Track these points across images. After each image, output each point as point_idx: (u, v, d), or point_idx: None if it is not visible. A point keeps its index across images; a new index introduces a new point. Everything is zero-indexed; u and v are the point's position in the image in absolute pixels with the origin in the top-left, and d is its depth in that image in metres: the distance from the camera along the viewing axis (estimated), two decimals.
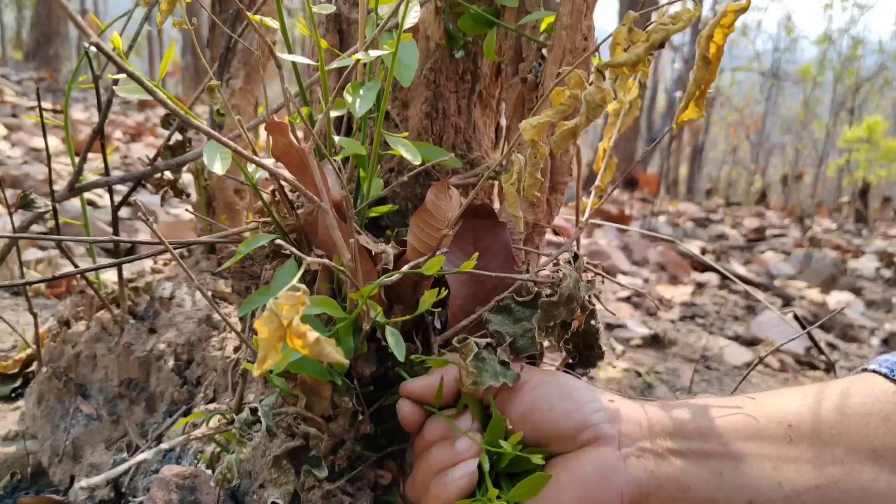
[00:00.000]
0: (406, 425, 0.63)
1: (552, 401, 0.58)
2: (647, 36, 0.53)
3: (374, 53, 0.59)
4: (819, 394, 0.54)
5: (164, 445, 0.58)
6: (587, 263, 0.70)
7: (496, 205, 0.85)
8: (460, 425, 0.59)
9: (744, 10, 0.52)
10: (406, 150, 0.62)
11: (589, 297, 0.66)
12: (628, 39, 0.53)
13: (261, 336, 0.40)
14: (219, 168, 0.56)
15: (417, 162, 0.62)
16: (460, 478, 0.56)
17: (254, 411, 0.66)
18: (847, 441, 0.51)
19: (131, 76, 0.47)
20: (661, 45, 0.52)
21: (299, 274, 0.46)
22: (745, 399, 0.57)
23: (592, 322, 0.68)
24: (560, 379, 0.61)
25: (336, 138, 0.65)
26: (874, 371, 0.56)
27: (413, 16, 0.60)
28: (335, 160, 0.62)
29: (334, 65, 0.65)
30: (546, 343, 0.66)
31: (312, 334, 0.42)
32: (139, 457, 0.51)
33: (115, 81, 0.73)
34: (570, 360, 0.72)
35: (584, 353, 0.71)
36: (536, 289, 0.64)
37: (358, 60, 0.60)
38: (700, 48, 0.54)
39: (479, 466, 0.57)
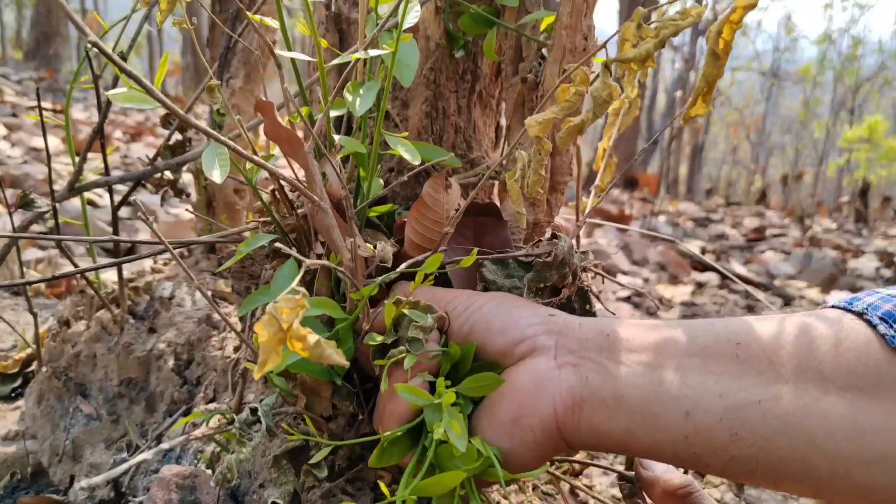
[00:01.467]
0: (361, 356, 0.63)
1: (490, 320, 0.58)
2: (657, 32, 0.53)
3: (373, 53, 0.59)
4: (772, 321, 0.54)
5: (164, 445, 0.58)
6: (587, 264, 0.70)
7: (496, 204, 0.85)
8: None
9: (753, 6, 0.52)
10: (405, 150, 0.62)
11: (590, 305, 0.67)
12: (637, 35, 0.53)
13: (261, 339, 0.40)
14: (217, 175, 0.56)
15: (417, 162, 0.62)
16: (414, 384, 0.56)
17: (254, 411, 0.67)
18: (795, 362, 0.50)
19: (131, 76, 0.47)
20: (662, 44, 0.52)
21: (299, 276, 0.46)
22: (697, 321, 0.56)
23: (588, 307, 0.69)
24: (502, 300, 0.60)
25: (336, 137, 0.65)
26: (832, 307, 0.55)
27: (413, 15, 0.60)
28: (335, 159, 0.61)
29: (335, 62, 0.65)
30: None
31: (312, 337, 0.42)
32: (139, 457, 0.51)
33: (116, 79, 0.73)
34: None
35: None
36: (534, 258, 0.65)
37: (357, 59, 0.60)
38: (710, 44, 0.54)
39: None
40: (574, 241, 0.69)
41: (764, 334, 0.52)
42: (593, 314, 0.70)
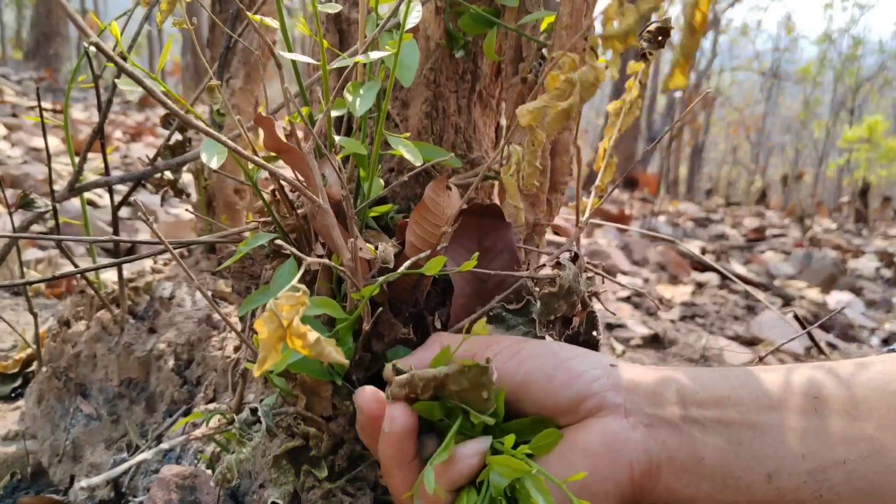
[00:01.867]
0: (372, 418, 0.56)
1: (548, 371, 0.53)
2: (637, 6, 0.53)
3: (375, 55, 0.59)
4: (848, 369, 0.51)
5: (164, 445, 0.58)
6: (587, 263, 0.70)
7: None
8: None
9: None
10: (407, 150, 0.62)
11: (588, 294, 0.66)
12: (620, 13, 0.53)
13: (261, 336, 0.40)
14: (215, 163, 0.56)
15: (419, 163, 0.62)
16: (470, 457, 0.51)
17: (254, 411, 0.66)
18: (878, 417, 0.47)
19: (130, 75, 0.47)
20: (662, 44, 0.52)
21: (299, 274, 0.46)
22: (768, 369, 0.53)
23: (594, 333, 0.68)
24: (554, 347, 0.56)
25: (336, 138, 0.65)
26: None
27: (415, 16, 0.60)
28: (335, 160, 0.61)
29: (335, 64, 0.65)
30: (547, 339, 0.66)
31: (312, 334, 0.42)
32: (139, 457, 0.51)
33: (118, 75, 0.73)
34: None
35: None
36: (527, 296, 0.63)
37: (358, 62, 0.60)
38: (686, 17, 0.54)
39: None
40: (576, 245, 0.69)
41: (841, 385, 0.49)
42: (597, 341, 0.69)
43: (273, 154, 0.67)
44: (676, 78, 0.57)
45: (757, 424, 0.49)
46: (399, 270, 0.59)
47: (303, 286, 0.42)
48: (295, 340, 0.41)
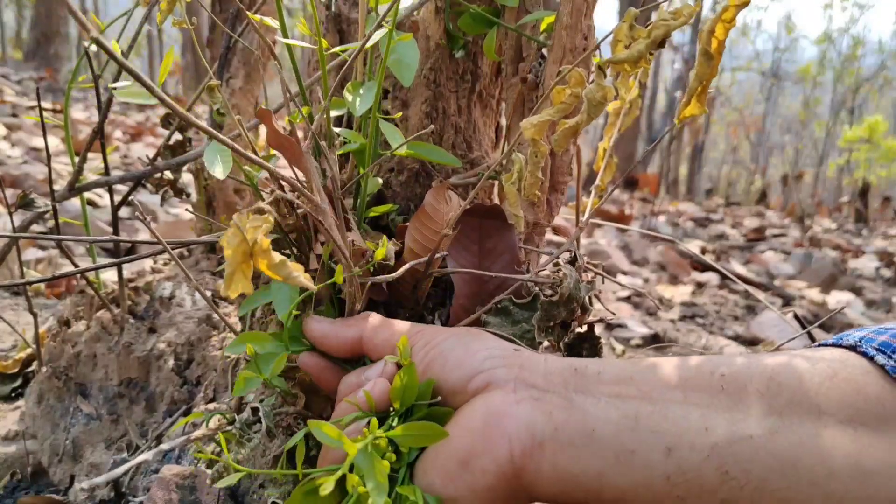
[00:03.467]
0: (311, 374, 0.59)
1: (447, 354, 0.52)
2: (649, 32, 0.52)
3: (372, 41, 0.58)
4: (756, 355, 0.49)
5: (165, 446, 0.58)
6: (587, 263, 0.70)
7: None
8: (370, 374, 0.55)
9: (745, 4, 0.52)
10: (388, 132, 0.61)
11: (590, 298, 0.66)
12: (629, 36, 0.53)
13: (225, 253, 0.39)
14: (219, 172, 0.56)
15: (400, 145, 0.61)
16: (354, 429, 0.51)
17: (254, 411, 0.67)
18: (786, 395, 0.45)
19: (132, 74, 0.47)
20: (663, 43, 0.52)
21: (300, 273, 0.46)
22: (674, 357, 0.51)
23: (596, 358, 0.68)
24: (465, 334, 0.54)
25: (337, 130, 0.65)
26: (820, 346, 0.51)
27: (405, 5, 0.59)
28: (333, 157, 0.61)
29: (333, 57, 0.65)
30: (545, 343, 0.66)
31: (276, 255, 0.41)
32: (140, 457, 0.51)
33: (116, 79, 0.73)
34: None
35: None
36: (535, 290, 0.63)
37: (357, 55, 0.60)
38: (702, 43, 0.54)
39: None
40: (575, 247, 0.69)
41: (750, 366, 0.47)
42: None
43: (273, 154, 0.67)
44: (693, 107, 0.56)
45: (658, 399, 0.46)
46: (398, 272, 0.59)
47: (269, 208, 0.42)
48: (259, 260, 0.40)
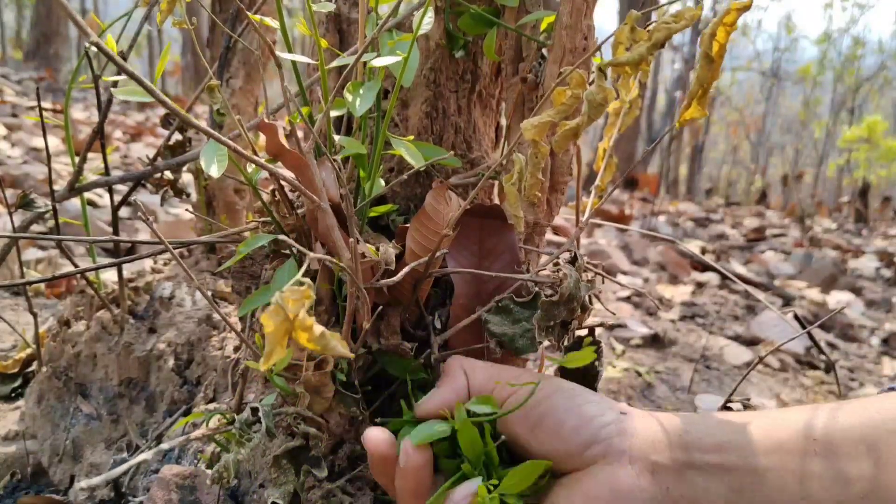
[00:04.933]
0: (382, 457, 0.58)
1: (560, 416, 0.54)
2: (650, 35, 0.52)
3: (383, 60, 0.59)
4: (845, 409, 0.51)
5: (164, 445, 0.58)
6: (587, 263, 0.70)
7: None
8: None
9: (746, 8, 0.52)
10: (408, 152, 0.62)
11: (590, 298, 0.66)
12: (630, 38, 0.53)
13: (267, 330, 0.40)
14: (215, 171, 0.56)
15: (420, 165, 0.62)
16: (460, 500, 0.53)
17: (254, 411, 0.67)
18: (875, 456, 0.48)
19: (130, 76, 0.47)
20: (663, 45, 0.52)
21: (302, 270, 0.46)
22: (766, 412, 0.54)
23: (595, 363, 0.68)
24: (567, 389, 0.57)
25: (336, 137, 0.65)
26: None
27: (427, 21, 0.60)
28: (335, 160, 0.61)
29: (335, 64, 0.65)
30: (545, 343, 0.66)
31: (318, 328, 0.42)
32: (139, 457, 0.51)
33: (115, 83, 0.73)
34: None
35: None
36: (536, 289, 0.63)
37: (358, 59, 0.60)
38: (703, 46, 0.54)
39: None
40: (576, 247, 0.69)
41: (841, 428, 0.49)
42: (597, 372, 0.69)
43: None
44: (694, 110, 0.56)
45: (757, 469, 0.49)
46: (399, 275, 0.59)
47: (307, 280, 0.42)
48: (301, 334, 0.41)
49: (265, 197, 0.69)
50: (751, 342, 2.32)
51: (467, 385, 0.59)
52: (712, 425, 0.53)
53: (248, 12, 0.61)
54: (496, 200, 0.83)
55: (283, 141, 0.57)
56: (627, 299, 2.62)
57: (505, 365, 0.61)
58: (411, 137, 0.67)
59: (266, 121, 0.57)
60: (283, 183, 0.64)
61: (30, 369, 1.19)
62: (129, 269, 1.04)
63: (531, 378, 0.58)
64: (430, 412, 0.59)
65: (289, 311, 0.40)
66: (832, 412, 0.51)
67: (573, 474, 0.53)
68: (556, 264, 0.65)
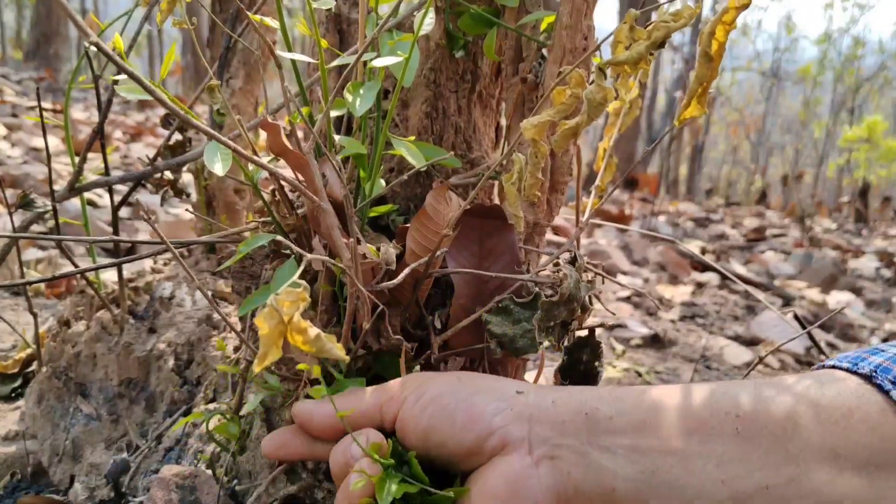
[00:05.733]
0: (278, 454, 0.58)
1: (450, 412, 0.50)
2: (649, 34, 0.52)
3: (384, 61, 0.59)
4: (773, 386, 0.48)
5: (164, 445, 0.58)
6: (587, 263, 0.70)
7: None
8: (355, 452, 0.52)
9: (745, 6, 0.52)
10: (409, 152, 0.62)
11: (590, 298, 0.66)
12: (630, 37, 0.53)
13: (261, 332, 0.40)
14: (219, 169, 0.56)
15: (421, 165, 0.62)
16: (356, 481, 0.49)
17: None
18: (803, 438, 0.45)
19: (131, 76, 0.47)
20: (662, 44, 0.52)
21: (299, 271, 0.46)
22: (690, 387, 0.50)
23: (596, 363, 0.68)
24: (458, 382, 0.53)
25: (336, 137, 0.65)
26: (833, 367, 0.50)
27: (428, 22, 0.60)
28: (335, 160, 0.61)
29: (335, 64, 0.65)
30: (546, 343, 0.66)
31: (313, 330, 0.42)
32: (140, 457, 0.51)
33: (116, 82, 0.73)
34: None
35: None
36: (536, 289, 0.63)
37: (358, 59, 0.60)
38: (702, 45, 0.54)
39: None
40: (576, 247, 0.69)
41: (766, 404, 0.47)
42: (598, 373, 0.69)
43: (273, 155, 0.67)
44: (693, 108, 0.56)
45: (674, 450, 0.46)
46: (399, 277, 0.59)
47: (303, 282, 0.42)
48: (296, 336, 0.41)
49: (265, 197, 0.69)
50: (751, 342, 2.32)
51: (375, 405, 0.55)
52: (627, 403, 0.49)
53: (248, 12, 0.61)
54: (496, 200, 0.83)
55: (286, 140, 0.58)
56: (627, 299, 2.62)
57: (386, 384, 0.57)
58: (412, 138, 0.67)
59: (269, 120, 0.57)
60: (283, 183, 0.64)
61: (30, 369, 1.19)
62: (129, 269, 1.04)
63: (416, 385, 0.54)
64: (301, 417, 0.56)
65: (283, 314, 0.40)
66: (756, 389, 0.48)
67: (476, 472, 0.50)
68: (556, 264, 0.65)
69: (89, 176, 0.91)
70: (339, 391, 0.58)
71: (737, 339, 2.36)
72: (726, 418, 0.46)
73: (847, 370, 0.49)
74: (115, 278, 0.97)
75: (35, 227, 0.97)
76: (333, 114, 0.65)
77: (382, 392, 0.55)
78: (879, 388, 0.46)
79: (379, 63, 0.59)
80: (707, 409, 0.47)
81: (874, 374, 0.47)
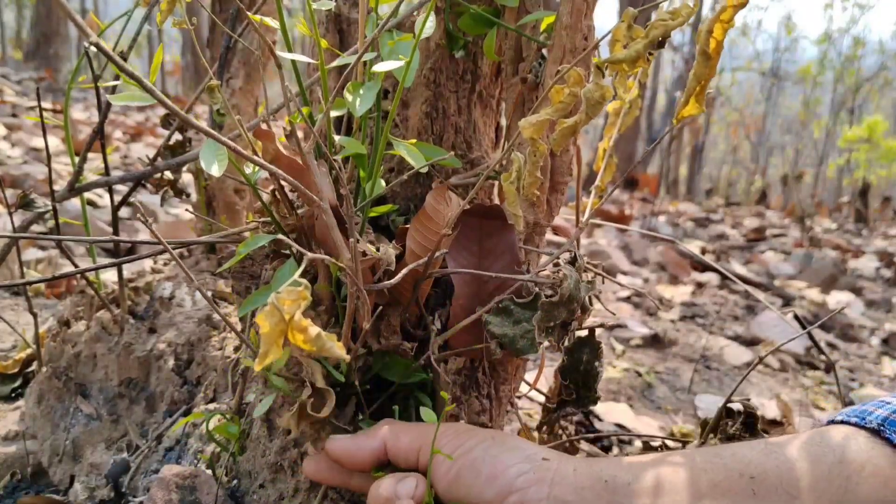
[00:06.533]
0: (319, 480, 0.61)
1: (478, 467, 0.53)
2: (647, 32, 0.52)
3: (386, 66, 0.59)
4: (783, 445, 0.50)
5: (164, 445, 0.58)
6: (587, 263, 0.70)
7: None
8: (400, 491, 0.56)
9: (743, 4, 0.52)
10: (408, 153, 0.62)
11: (590, 298, 0.66)
12: (627, 36, 0.53)
13: (262, 331, 0.40)
14: (216, 170, 0.56)
15: (420, 165, 0.62)
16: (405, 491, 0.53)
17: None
18: (813, 494, 0.47)
19: (130, 76, 0.47)
20: (662, 44, 0.52)
21: (299, 271, 0.46)
22: (703, 451, 0.52)
23: (596, 364, 0.68)
24: (492, 441, 0.56)
25: (337, 137, 0.65)
26: (842, 422, 0.52)
27: (430, 26, 0.60)
28: (335, 160, 0.61)
29: (335, 64, 0.65)
30: (546, 343, 0.66)
31: (314, 329, 0.42)
32: (140, 458, 0.51)
33: (114, 89, 0.73)
34: (566, 399, 0.72)
35: (581, 393, 0.72)
36: (536, 290, 0.63)
37: (359, 59, 0.60)
38: (700, 43, 0.54)
39: None
40: (576, 247, 0.69)
41: (777, 463, 0.48)
42: (598, 373, 0.69)
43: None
44: (691, 107, 0.56)
45: None
46: (399, 276, 0.59)
47: (304, 281, 0.42)
48: (296, 335, 0.41)
49: (265, 197, 0.69)
50: (751, 342, 2.32)
51: (383, 449, 0.59)
52: (644, 470, 0.51)
53: (248, 12, 0.61)
54: (496, 200, 0.83)
55: (280, 146, 0.58)
56: (627, 299, 2.62)
57: (428, 424, 0.60)
58: (413, 140, 0.67)
59: (262, 127, 0.57)
60: (283, 183, 0.64)
61: (30, 369, 1.19)
62: (129, 270, 1.04)
63: (454, 435, 0.57)
64: (336, 452, 0.59)
65: (284, 312, 0.40)
66: (766, 448, 0.50)
67: None
68: (556, 265, 0.65)
69: (89, 176, 0.91)
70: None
71: (737, 339, 2.36)
72: (740, 480, 0.48)
73: (856, 425, 0.50)
74: (115, 278, 0.97)
75: (35, 227, 0.97)
76: (333, 114, 0.65)
77: (424, 436, 0.58)
78: (888, 441, 0.48)
79: (380, 68, 0.59)
80: (720, 472, 0.49)
81: (882, 427, 0.49)
